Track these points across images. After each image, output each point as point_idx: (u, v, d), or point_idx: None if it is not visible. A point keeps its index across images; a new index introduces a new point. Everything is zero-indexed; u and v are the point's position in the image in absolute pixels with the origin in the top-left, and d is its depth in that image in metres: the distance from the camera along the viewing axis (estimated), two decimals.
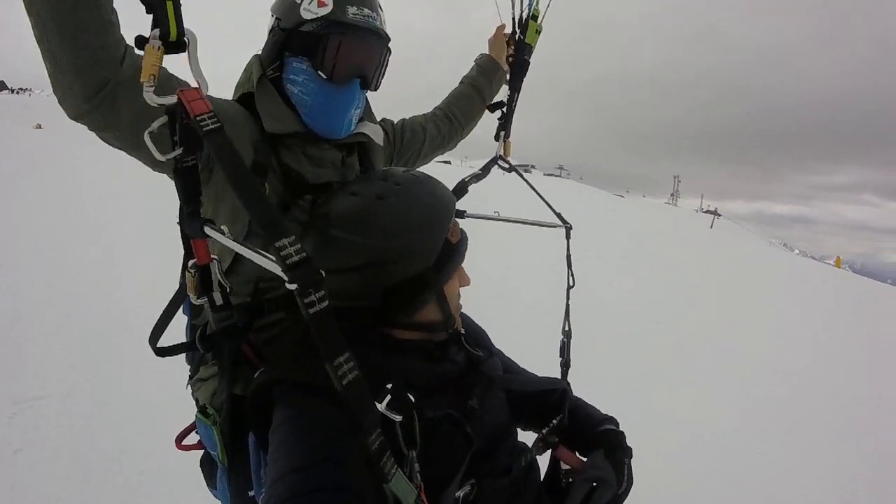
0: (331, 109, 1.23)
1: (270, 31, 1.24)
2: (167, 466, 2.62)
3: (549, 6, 1.60)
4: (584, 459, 1.12)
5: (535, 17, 1.59)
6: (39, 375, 3.37)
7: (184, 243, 1.04)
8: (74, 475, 2.60)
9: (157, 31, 0.77)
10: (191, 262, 0.99)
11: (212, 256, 0.97)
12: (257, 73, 1.24)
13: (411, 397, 0.87)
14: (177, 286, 1.35)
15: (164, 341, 1.10)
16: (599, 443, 1.14)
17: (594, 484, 1.04)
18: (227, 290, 1.03)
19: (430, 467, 0.88)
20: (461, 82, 1.81)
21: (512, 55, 1.61)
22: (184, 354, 1.36)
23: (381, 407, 0.84)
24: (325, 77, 1.19)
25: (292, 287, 0.71)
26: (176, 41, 0.78)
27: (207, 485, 1.37)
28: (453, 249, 1.04)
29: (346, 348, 0.74)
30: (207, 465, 1.34)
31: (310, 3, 1.16)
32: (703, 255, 12.06)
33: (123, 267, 5.24)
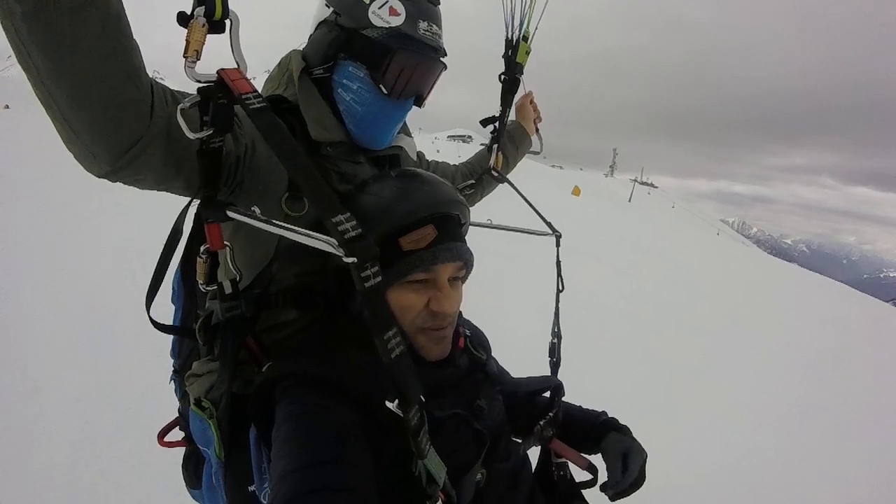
0: (382, 123, 1.19)
1: (322, 23, 1.15)
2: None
3: (536, 28, 1.69)
4: (579, 452, 1.17)
5: (525, 39, 1.67)
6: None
7: (172, 232, 1.02)
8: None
9: (201, 8, 0.76)
10: (203, 248, 0.98)
11: (224, 243, 0.97)
12: (298, 71, 1.15)
13: (422, 397, 0.87)
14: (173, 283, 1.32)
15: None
16: (606, 431, 1.20)
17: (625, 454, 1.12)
18: (238, 278, 1.02)
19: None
20: (488, 147, 1.80)
21: (504, 73, 1.67)
22: (170, 347, 1.33)
23: (392, 406, 0.83)
24: (385, 92, 1.13)
25: (350, 260, 0.73)
26: (219, 20, 0.78)
27: (187, 485, 1.32)
28: (399, 256, 0.98)
29: (395, 324, 0.76)
30: (192, 464, 1.29)
31: (380, 8, 1.08)
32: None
33: (100, 257, 5.01)
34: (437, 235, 1.00)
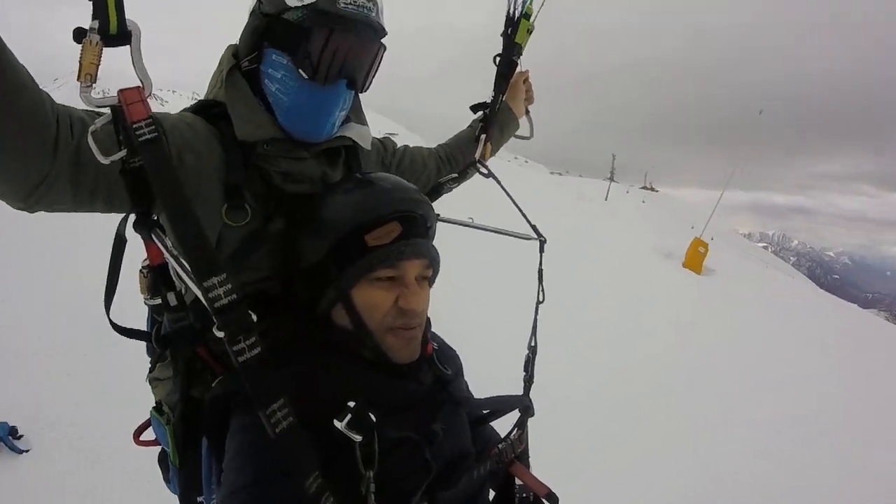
0: (311, 111, 1.10)
1: (251, 14, 1.10)
2: None
3: (542, 5, 1.54)
4: (540, 479, 1.10)
5: (527, 16, 1.51)
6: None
7: (116, 239, 1.02)
8: None
9: (95, 22, 0.70)
10: (144, 263, 0.96)
11: (166, 257, 0.94)
12: (227, 66, 1.10)
13: (372, 417, 0.85)
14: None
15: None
16: None
17: None
18: (182, 290, 0.99)
19: (387, 488, 0.86)
20: (470, 126, 1.67)
21: (500, 54, 1.53)
22: (145, 345, 1.34)
23: (340, 425, 0.82)
24: (306, 77, 1.05)
25: (220, 335, 0.67)
26: (117, 34, 0.72)
27: (164, 480, 1.35)
28: (365, 252, 0.97)
29: (281, 394, 0.71)
30: (165, 461, 1.32)
31: None
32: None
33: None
34: (401, 231, 1.00)
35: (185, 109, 1.13)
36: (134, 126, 0.73)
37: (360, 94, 1.23)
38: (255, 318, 0.69)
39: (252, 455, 0.82)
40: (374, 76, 1.17)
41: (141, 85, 0.76)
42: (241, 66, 1.11)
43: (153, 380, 1.23)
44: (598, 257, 9.03)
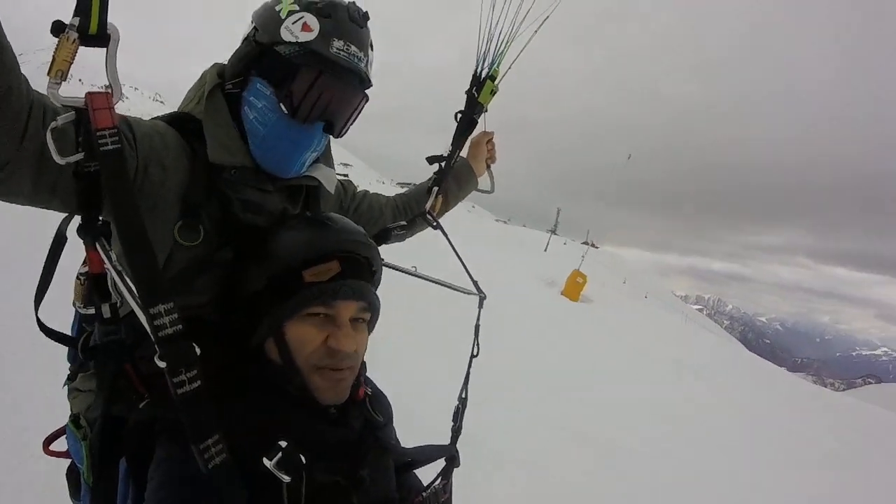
0: (284, 147, 1.09)
1: (244, 40, 1.10)
2: None
3: (508, 69, 1.62)
4: None
5: (492, 78, 1.57)
6: None
7: (56, 237, 1.01)
8: None
9: (76, 19, 0.71)
10: (82, 269, 0.94)
11: (106, 268, 0.92)
12: (210, 85, 1.10)
13: (303, 458, 0.84)
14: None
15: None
16: None
17: None
18: (118, 303, 0.97)
19: None
20: (429, 178, 1.68)
21: (462, 111, 1.58)
22: (67, 350, 1.29)
23: (269, 465, 0.80)
24: (286, 112, 1.05)
25: (161, 364, 0.67)
26: (96, 34, 0.73)
27: (70, 495, 1.28)
28: (301, 287, 0.97)
29: (216, 430, 0.71)
30: (74, 476, 1.25)
31: (293, 23, 1.03)
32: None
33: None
34: (340, 271, 1.00)
35: (158, 118, 1.12)
36: (98, 133, 0.73)
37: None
38: (198, 351, 0.69)
39: (178, 488, 0.80)
40: (352, 124, 1.18)
41: (110, 90, 0.76)
42: (225, 87, 1.11)
43: (73, 389, 1.17)
44: (526, 305, 9.79)
